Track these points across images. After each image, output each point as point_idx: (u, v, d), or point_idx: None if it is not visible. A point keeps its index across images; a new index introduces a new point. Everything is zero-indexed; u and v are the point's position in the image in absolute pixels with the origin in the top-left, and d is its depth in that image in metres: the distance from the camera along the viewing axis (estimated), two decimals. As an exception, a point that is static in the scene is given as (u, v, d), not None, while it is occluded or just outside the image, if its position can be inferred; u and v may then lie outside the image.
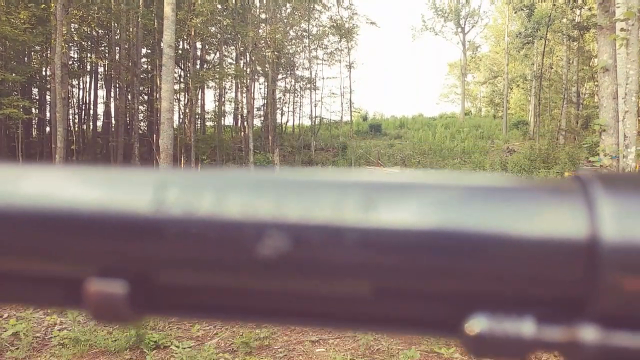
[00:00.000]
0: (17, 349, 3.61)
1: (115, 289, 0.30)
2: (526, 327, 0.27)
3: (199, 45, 16.89)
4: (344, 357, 3.44)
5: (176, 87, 15.50)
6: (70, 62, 15.19)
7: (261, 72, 17.34)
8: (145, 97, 17.82)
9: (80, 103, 18.88)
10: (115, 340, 3.62)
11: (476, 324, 0.28)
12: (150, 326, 3.84)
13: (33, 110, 16.77)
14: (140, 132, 16.86)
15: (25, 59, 16.74)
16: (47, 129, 16.14)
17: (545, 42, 18.89)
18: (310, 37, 20.27)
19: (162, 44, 10.59)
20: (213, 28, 16.16)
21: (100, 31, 16.70)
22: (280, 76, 18.76)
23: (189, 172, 0.32)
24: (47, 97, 16.52)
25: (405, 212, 0.28)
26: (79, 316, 4.03)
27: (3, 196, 0.30)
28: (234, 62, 18.20)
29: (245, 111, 17.19)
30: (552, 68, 21.39)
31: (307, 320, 0.33)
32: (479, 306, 0.29)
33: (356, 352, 3.54)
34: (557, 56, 21.97)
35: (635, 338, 0.27)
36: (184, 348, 3.54)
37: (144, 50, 17.12)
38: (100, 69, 18.28)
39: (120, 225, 0.29)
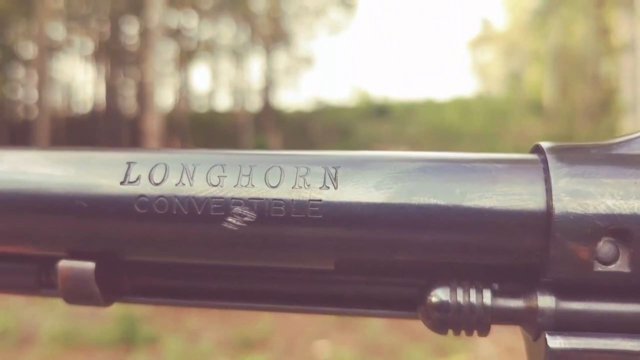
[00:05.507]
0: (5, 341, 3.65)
1: (84, 269, 0.31)
2: (487, 298, 0.29)
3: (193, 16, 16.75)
4: (344, 353, 3.47)
5: (168, 67, 15.39)
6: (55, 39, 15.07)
7: (260, 45, 17.20)
8: (134, 82, 17.72)
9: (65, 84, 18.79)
10: (107, 334, 3.66)
11: (437, 297, 0.30)
12: (141, 317, 3.88)
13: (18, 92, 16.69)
14: (129, 117, 16.79)
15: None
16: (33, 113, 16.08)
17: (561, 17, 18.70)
18: (310, 10, 20.11)
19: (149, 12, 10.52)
20: None
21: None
22: (279, 52, 18.62)
23: (155, 150, 0.34)
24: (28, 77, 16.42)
25: (364, 185, 0.30)
26: (70, 310, 4.06)
27: None
28: (233, 36, 18.08)
29: (241, 91, 17.10)
30: (569, 46, 21.22)
31: (274, 300, 0.34)
32: (440, 279, 0.30)
33: (357, 345, 3.59)
34: (573, 33, 21.76)
35: (586, 304, 0.29)
36: (178, 342, 3.58)
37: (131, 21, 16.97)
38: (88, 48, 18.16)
39: (88, 205, 0.31)
